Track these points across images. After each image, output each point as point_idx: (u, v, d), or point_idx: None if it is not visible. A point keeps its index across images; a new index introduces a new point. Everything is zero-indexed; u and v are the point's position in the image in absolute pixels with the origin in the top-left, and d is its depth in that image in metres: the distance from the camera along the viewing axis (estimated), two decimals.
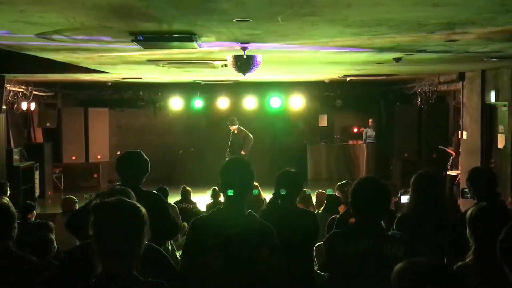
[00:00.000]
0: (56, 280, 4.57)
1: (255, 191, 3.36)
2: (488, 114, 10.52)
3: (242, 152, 13.73)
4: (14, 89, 12.05)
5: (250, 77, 8.48)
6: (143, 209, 2.49)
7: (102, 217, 2.43)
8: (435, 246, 4.25)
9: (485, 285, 2.99)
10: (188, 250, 3.36)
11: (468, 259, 3.09)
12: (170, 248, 7.23)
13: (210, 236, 3.27)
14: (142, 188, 4.63)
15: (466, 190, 4.75)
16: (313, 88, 15.68)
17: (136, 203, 2.53)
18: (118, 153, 12.83)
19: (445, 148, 13.21)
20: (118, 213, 2.42)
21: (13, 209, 3.40)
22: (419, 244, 3.79)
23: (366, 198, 3.44)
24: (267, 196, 8.11)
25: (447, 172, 12.63)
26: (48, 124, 14.86)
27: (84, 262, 3.33)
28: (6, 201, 3.50)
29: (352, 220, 3.80)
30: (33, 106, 13.57)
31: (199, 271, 3.27)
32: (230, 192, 3.32)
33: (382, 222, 3.55)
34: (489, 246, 2.91)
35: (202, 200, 10.72)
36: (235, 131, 14.10)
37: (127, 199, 2.52)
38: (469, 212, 3.17)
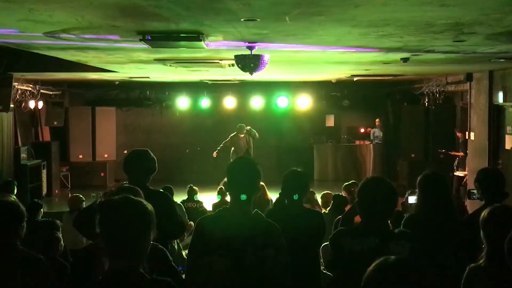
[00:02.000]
0: (64, 278, 4.59)
1: (242, 196, 3.34)
2: (496, 114, 10.48)
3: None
4: (22, 87, 12.09)
5: (257, 76, 8.48)
6: (149, 206, 2.49)
7: (108, 214, 2.43)
8: (443, 247, 4.24)
9: (499, 286, 2.98)
10: (194, 249, 3.36)
11: (481, 261, 3.08)
12: (176, 247, 7.25)
13: (216, 236, 3.27)
14: (150, 187, 4.64)
15: (473, 191, 4.73)
16: (320, 88, 15.66)
17: (142, 200, 2.53)
18: (125, 152, 12.85)
19: (449, 152, 13.19)
20: (123, 210, 2.43)
21: (23, 208, 3.40)
22: (427, 245, 3.78)
23: (372, 198, 3.44)
24: (274, 196, 8.11)
25: (454, 173, 12.60)
26: (55, 123, 14.91)
27: (92, 262, 3.34)
28: (13, 199, 3.48)
29: (358, 219, 3.81)
30: (40, 104, 13.61)
31: (205, 270, 3.27)
32: (243, 197, 3.32)
33: (388, 221, 3.55)
34: (502, 248, 2.91)
35: (208, 199, 10.73)
36: (241, 137, 14.16)
37: (133, 197, 2.52)
38: (482, 214, 3.15)
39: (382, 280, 2.01)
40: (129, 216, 2.41)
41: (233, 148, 14.12)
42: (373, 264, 2.06)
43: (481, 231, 3.11)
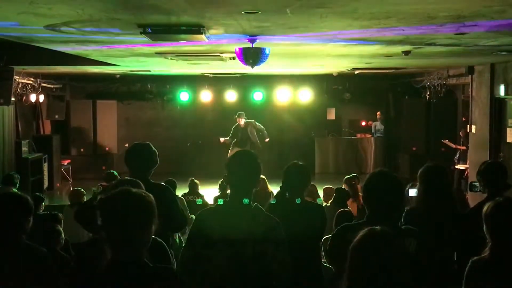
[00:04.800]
0: (65, 271, 4.59)
1: (245, 200, 3.37)
2: (497, 108, 10.46)
3: (266, 140, 14.26)
4: (23, 81, 12.08)
5: (258, 70, 8.47)
6: (149, 197, 2.49)
7: (108, 208, 2.45)
8: (444, 240, 4.24)
9: (501, 279, 2.98)
10: (193, 242, 3.36)
11: (484, 254, 3.07)
12: (177, 240, 7.25)
13: (215, 229, 3.27)
14: (151, 180, 4.64)
15: (475, 184, 4.72)
16: (321, 81, 15.64)
17: (142, 191, 2.53)
18: (126, 145, 12.85)
19: (451, 144, 13.14)
20: (123, 203, 2.43)
21: (31, 202, 3.40)
22: (428, 237, 3.77)
23: (378, 192, 3.40)
24: (274, 189, 8.10)
25: (455, 166, 12.59)
26: (56, 116, 14.92)
27: (94, 256, 3.35)
28: (21, 193, 3.49)
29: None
30: (41, 98, 13.61)
31: (204, 263, 3.27)
32: (246, 201, 3.32)
33: (395, 216, 3.51)
34: (506, 241, 2.91)
35: (210, 193, 10.73)
36: (241, 125, 14.12)
37: (133, 188, 2.52)
38: (485, 208, 3.14)
39: (368, 247, 2.05)
40: (129, 209, 2.41)
41: (234, 140, 14.10)
42: (359, 234, 2.11)
43: (484, 225, 3.10)
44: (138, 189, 2.59)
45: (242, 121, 14.09)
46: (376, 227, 2.14)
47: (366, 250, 2.08)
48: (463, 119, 13.27)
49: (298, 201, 4.40)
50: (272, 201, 4.40)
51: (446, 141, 13.28)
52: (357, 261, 2.10)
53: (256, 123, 14.29)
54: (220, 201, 3.41)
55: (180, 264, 3.43)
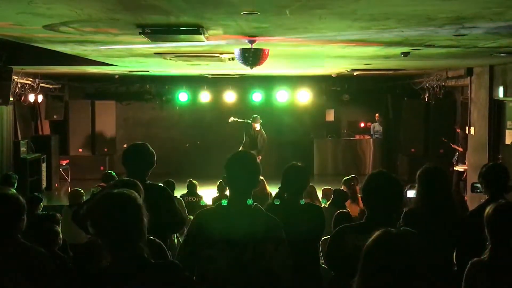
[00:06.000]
0: (64, 271, 4.59)
1: (249, 201, 3.36)
2: (496, 109, 10.47)
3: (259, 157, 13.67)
4: (21, 81, 12.07)
5: (257, 71, 8.47)
6: (132, 193, 2.54)
7: (95, 215, 2.49)
8: (443, 241, 4.23)
9: (500, 281, 2.98)
10: (191, 240, 3.34)
11: (484, 256, 3.08)
12: (176, 241, 7.24)
13: (215, 230, 3.26)
14: (149, 181, 4.63)
15: (477, 185, 4.72)
16: (320, 82, 15.65)
17: (125, 190, 2.57)
18: (125, 146, 12.85)
19: (451, 144, 13.17)
20: (108, 206, 2.48)
21: (23, 201, 3.40)
22: (426, 239, 3.77)
23: (378, 193, 3.40)
24: (273, 190, 8.09)
25: (454, 168, 12.60)
26: (55, 117, 14.93)
27: (92, 257, 3.35)
28: (13, 192, 3.48)
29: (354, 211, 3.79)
30: (40, 98, 13.60)
31: (204, 263, 3.26)
32: (250, 202, 3.32)
33: (395, 216, 3.52)
34: (507, 244, 2.91)
35: (208, 193, 10.73)
36: (256, 129, 14.00)
37: (114, 191, 2.56)
38: (487, 211, 3.15)
39: (386, 249, 2.05)
40: (115, 210, 2.46)
41: (245, 138, 13.98)
42: (374, 235, 2.10)
43: (486, 227, 3.11)
44: (128, 189, 2.62)
45: (258, 126, 13.99)
46: (392, 229, 2.14)
47: (384, 252, 2.07)
48: (458, 121, 13.32)
49: (302, 202, 4.41)
50: (276, 201, 4.40)
51: (445, 140, 13.32)
52: (372, 264, 2.09)
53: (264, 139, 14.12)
54: (224, 202, 3.40)
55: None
